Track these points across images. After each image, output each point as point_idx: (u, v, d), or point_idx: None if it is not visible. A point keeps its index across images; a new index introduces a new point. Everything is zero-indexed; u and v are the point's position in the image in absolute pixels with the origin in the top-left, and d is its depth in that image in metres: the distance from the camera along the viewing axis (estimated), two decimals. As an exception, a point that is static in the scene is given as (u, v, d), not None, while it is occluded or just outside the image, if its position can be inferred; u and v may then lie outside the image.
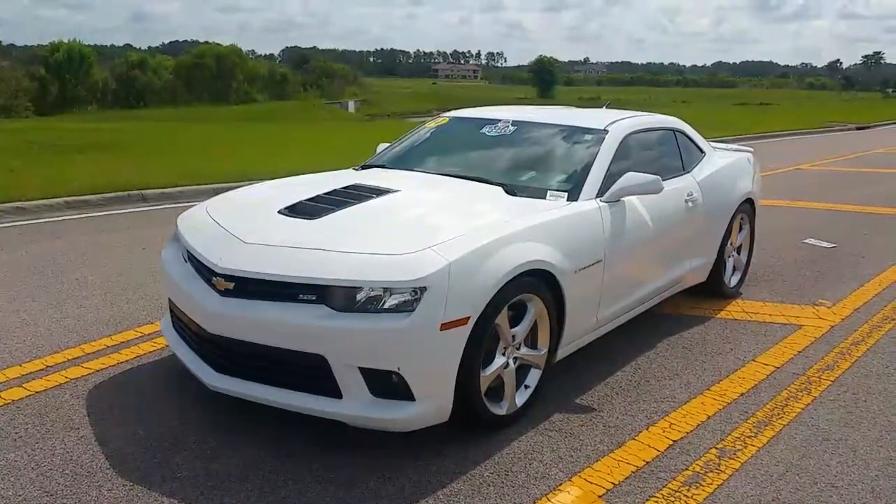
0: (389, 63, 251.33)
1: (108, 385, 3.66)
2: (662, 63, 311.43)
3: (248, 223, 3.42)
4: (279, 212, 3.48)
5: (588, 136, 4.28)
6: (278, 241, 3.15)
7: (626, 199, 3.96)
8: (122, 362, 3.92)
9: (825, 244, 7.13)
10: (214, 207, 3.80)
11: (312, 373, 2.91)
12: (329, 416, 2.94)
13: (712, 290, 5.23)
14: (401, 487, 2.83)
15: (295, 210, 3.49)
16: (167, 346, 3.89)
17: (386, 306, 2.83)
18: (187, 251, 3.44)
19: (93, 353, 4.04)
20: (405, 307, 2.82)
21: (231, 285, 3.02)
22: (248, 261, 3.04)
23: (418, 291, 2.82)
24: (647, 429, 3.36)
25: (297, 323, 2.87)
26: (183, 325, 3.46)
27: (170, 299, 3.64)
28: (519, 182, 4.02)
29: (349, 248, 3.02)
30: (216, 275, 3.07)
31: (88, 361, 3.92)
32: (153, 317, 4.58)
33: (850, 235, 7.59)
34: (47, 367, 3.84)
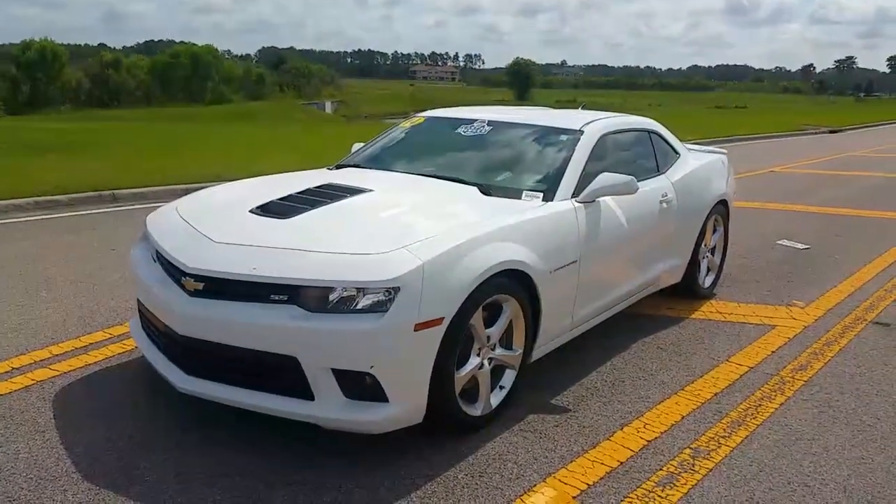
0: (367, 65, 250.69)
1: (76, 387, 3.58)
2: (639, 66, 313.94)
3: (218, 223, 3.37)
4: (251, 211, 3.43)
5: (563, 137, 4.27)
6: (249, 240, 3.10)
7: (601, 199, 3.95)
8: (90, 364, 3.84)
9: (799, 245, 7.20)
10: (185, 207, 3.74)
11: (284, 374, 2.86)
12: (301, 418, 2.90)
13: (687, 290, 5.25)
14: (374, 490, 2.79)
15: (267, 209, 3.44)
16: (136, 347, 3.81)
17: (359, 307, 2.80)
18: (156, 251, 3.37)
19: (60, 354, 3.96)
20: (378, 308, 2.78)
21: (201, 286, 2.97)
22: (218, 261, 2.99)
23: (392, 292, 2.79)
24: (622, 429, 3.36)
25: (269, 324, 2.82)
26: (152, 327, 3.39)
27: (139, 300, 3.57)
28: (494, 182, 4.00)
29: (322, 247, 2.98)
30: (185, 275, 3.01)
31: (56, 363, 3.84)
32: (122, 318, 4.50)
33: (823, 237, 7.67)
34: (13, 368, 3.76)
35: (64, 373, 3.73)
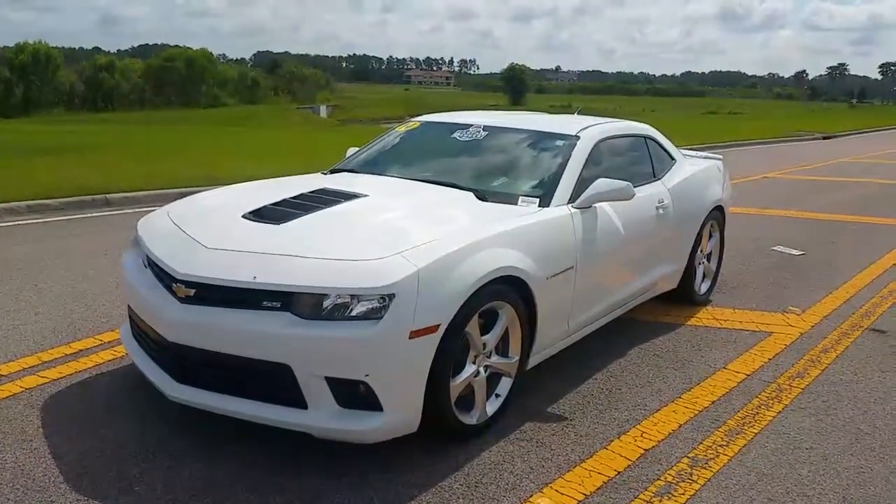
0: (362, 69, 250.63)
1: (65, 395, 3.53)
2: (632, 72, 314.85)
3: (210, 228, 3.32)
4: (244, 216, 3.38)
5: (560, 142, 4.24)
6: (242, 246, 3.05)
7: (597, 205, 3.92)
8: (80, 371, 3.79)
9: (794, 251, 7.19)
10: (177, 211, 3.69)
11: (277, 383, 2.82)
12: (294, 427, 2.85)
13: (683, 297, 5.22)
14: (368, 499, 2.74)
15: (260, 214, 3.40)
16: (127, 354, 3.76)
17: (353, 314, 2.75)
18: (147, 257, 3.33)
19: (50, 361, 3.90)
20: (373, 315, 2.74)
21: (192, 292, 2.92)
22: (209, 267, 2.94)
23: (386, 298, 2.74)
24: (619, 438, 3.32)
25: (261, 331, 2.77)
26: (143, 334, 3.34)
27: (129, 306, 3.52)
28: (490, 188, 3.97)
29: (315, 253, 2.94)
30: (176, 281, 2.96)
31: (45, 370, 3.78)
32: (113, 324, 4.45)
33: (818, 243, 7.66)
34: (1, 376, 3.70)
35: (53, 380, 3.67)
